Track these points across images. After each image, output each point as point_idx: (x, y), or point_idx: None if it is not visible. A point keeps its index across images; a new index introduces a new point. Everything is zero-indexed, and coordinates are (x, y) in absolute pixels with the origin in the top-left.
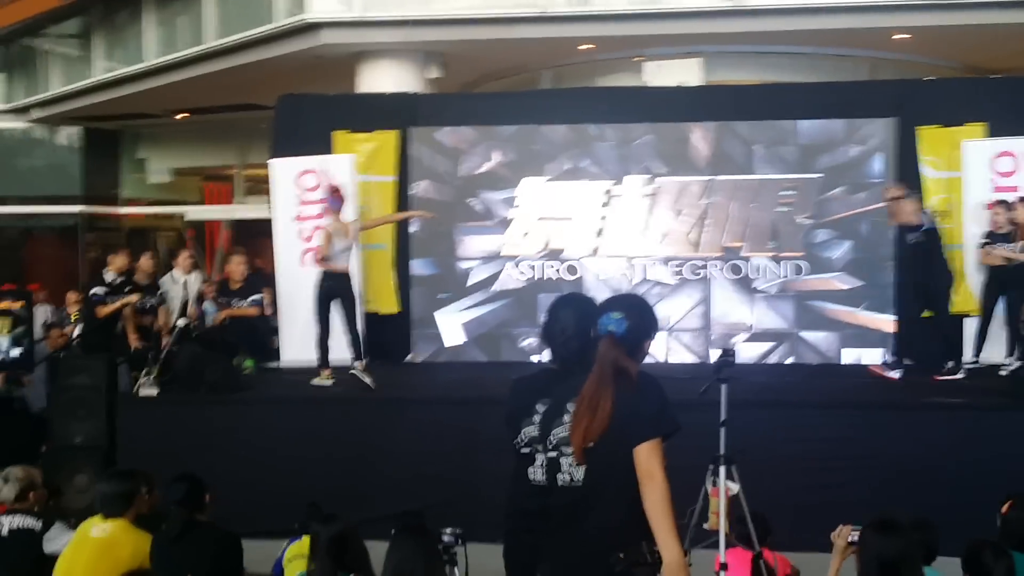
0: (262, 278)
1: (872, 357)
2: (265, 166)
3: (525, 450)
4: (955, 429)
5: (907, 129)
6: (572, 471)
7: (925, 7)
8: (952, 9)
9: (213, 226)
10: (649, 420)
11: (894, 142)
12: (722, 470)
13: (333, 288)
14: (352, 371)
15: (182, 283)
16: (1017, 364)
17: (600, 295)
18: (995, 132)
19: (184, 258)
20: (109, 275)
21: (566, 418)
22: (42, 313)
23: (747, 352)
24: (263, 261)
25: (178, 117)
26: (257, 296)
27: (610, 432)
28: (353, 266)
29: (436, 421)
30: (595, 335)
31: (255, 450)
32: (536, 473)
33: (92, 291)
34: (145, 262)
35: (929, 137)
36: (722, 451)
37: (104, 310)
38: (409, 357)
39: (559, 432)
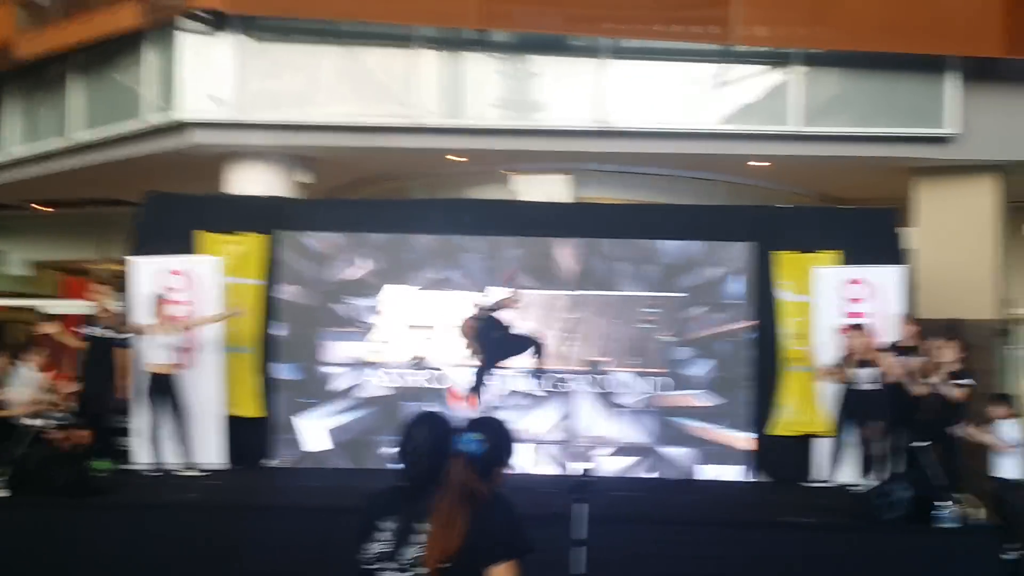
0: None
1: (731, 474)
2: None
3: (369, 567)
4: (807, 548)
5: (764, 253)
6: None
7: (779, 137)
8: (805, 141)
9: (71, 320)
10: (502, 542)
11: (752, 265)
12: None
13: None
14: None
15: (35, 380)
16: (872, 484)
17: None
18: (848, 260)
19: (39, 356)
20: None
21: (418, 538)
22: None
23: (610, 466)
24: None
25: (39, 209)
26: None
27: (464, 553)
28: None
29: (294, 529)
30: (451, 454)
31: (105, 556)
32: None
33: None
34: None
35: (786, 262)
36: (581, 570)
37: None
38: (273, 462)
39: (411, 552)
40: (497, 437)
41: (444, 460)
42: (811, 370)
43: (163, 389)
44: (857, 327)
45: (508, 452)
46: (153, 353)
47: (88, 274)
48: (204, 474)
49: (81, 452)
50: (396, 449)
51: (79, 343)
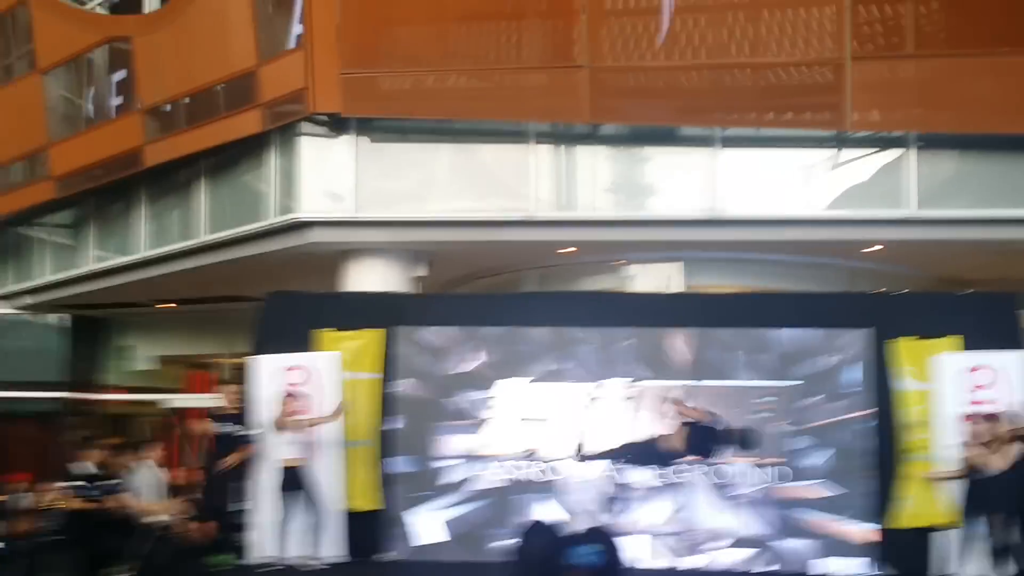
0: None
1: (853, 567)
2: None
3: None
4: None
5: (882, 340)
6: None
7: (894, 222)
8: (921, 225)
9: (193, 414)
10: None
11: (870, 352)
12: None
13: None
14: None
15: (155, 473)
16: None
17: (580, 498)
18: (969, 346)
19: (158, 451)
20: (86, 466)
21: None
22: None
23: (726, 558)
24: None
25: (164, 307)
26: None
27: None
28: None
29: None
30: (566, 565)
31: None
32: None
33: (69, 483)
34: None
35: (904, 349)
36: None
37: (74, 504)
38: (386, 555)
39: None
40: (614, 546)
41: (556, 571)
42: (933, 459)
43: (293, 483)
44: (985, 415)
45: (624, 559)
46: (281, 448)
47: (210, 368)
48: (323, 567)
49: (206, 545)
50: (509, 556)
51: (204, 428)
